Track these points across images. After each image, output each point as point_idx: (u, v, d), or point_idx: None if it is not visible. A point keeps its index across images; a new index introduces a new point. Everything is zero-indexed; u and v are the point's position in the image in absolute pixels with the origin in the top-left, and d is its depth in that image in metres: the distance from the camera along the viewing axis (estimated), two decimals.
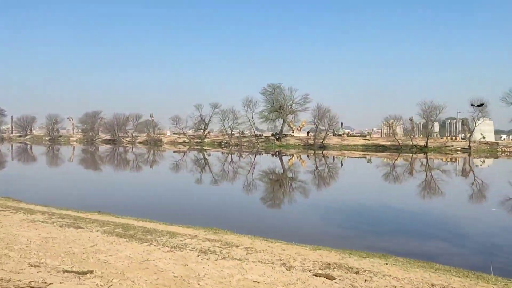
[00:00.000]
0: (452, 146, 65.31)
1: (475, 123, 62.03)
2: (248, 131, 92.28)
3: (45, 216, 11.49)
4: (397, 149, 68.67)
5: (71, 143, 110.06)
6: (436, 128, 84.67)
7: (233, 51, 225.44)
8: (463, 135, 76.98)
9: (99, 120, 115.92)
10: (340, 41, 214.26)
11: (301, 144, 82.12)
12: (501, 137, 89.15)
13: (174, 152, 73.59)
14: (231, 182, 30.41)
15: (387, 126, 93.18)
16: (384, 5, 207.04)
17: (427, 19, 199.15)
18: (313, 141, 78.64)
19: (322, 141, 76.63)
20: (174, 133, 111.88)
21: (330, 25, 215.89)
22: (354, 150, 73.15)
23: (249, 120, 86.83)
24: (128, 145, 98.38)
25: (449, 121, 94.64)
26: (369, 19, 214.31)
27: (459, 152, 63.32)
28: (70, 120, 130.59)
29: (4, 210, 12.33)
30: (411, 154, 63.93)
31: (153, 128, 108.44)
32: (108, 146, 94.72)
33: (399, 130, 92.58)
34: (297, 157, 61.57)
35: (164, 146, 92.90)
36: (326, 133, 77.58)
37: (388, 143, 72.36)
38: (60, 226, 10.03)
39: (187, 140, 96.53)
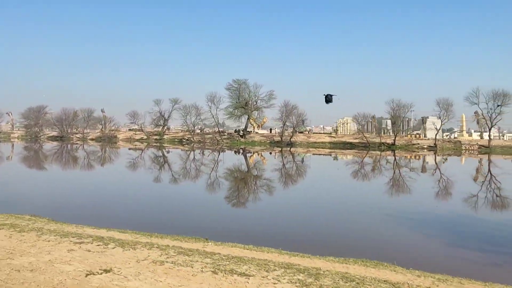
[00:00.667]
0: (418, 144, 66.20)
1: (442, 122, 63.22)
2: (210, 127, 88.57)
3: (158, 252, 7.98)
4: (365, 146, 68.51)
5: (11, 140, 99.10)
6: (389, 125, 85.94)
7: (195, 47, 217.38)
8: (418, 132, 78.86)
9: (42, 115, 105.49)
10: (306, 39, 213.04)
11: (267, 141, 79.73)
12: (446, 135, 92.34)
13: (130, 149, 68.27)
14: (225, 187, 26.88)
15: (342, 124, 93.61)
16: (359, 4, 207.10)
17: (397, 17, 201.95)
18: (280, 138, 76.54)
19: (290, 138, 74.75)
20: (129, 129, 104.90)
21: (297, 22, 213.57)
22: (322, 148, 72.12)
23: (213, 116, 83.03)
24: (78, 142, 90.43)
25: (401, 118, 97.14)
26: (334, 16, 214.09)
27: (425, 150, 64.23)
28: (9, 115, 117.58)
29: (85, 242, 8.38)
30: (379, 152, 64.03)
31: (104, 123, 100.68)
32: (55, 143, 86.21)
33: (353, 127, 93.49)
34: (259, 154, 59.07)
35: (119, 143, 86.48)
36: (294, 130, 75.80)
37: (356, 140, 72.06)
38: (214, 273, 6.72)
39: (145, 137, 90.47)
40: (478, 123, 70.15)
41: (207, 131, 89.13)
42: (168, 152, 62.89)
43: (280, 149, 69.45)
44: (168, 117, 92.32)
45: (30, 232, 9.47)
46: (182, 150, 66.31)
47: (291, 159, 50.81)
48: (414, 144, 66.03)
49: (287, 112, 75.46)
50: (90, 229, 10.72)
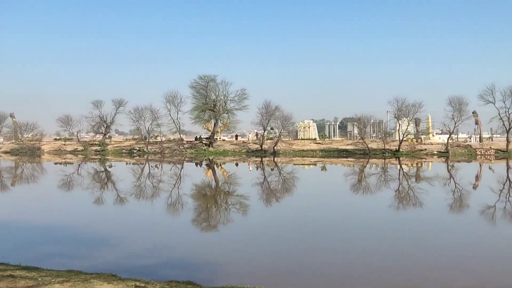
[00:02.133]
0: (426, 149, 57.23)
1: (455, 124, 54.98)
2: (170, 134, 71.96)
3: None
4: (365, 153, 57.95)
5: None
6: (356, 129, 77.52)
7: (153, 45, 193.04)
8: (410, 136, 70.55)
9: None
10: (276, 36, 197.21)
11: (242, 150, 65.50)
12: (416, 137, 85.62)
13: (56, 164, 54.05)
14: None
15: (303, 128, 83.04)
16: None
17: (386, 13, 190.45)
18: (260, 146, 62.89)
19: (274, 146, 61.48)
20: (55, 139, 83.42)
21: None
22: (312, 156, 60.12)
23: (173, 121, 66.27)
24: None
25: (372, 121, 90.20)
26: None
27: (435, 156, 55.44)
28: None
29: None
30: (383, 160, 54.00)
31: (15, 132, 77.70)
32: None
33: (314, 131, 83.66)
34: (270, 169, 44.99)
35: (43, 157, 66.72)
36: (279, 135, 62.56)
37: (351, 147, 61.19)
38: None
39: (82, 148, 70.53)
40: (476, 124, 63.65)
41: (163, 140, 72.14)
42: (110, 166, 47.92)
43: (260, 159, 56.14)
44: (111, 122, 73.74)
45: None
46: (127, 163, 50.08)
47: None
48: (421, 150, 56.92)
49: (268, 114, 62.12)
50: None
